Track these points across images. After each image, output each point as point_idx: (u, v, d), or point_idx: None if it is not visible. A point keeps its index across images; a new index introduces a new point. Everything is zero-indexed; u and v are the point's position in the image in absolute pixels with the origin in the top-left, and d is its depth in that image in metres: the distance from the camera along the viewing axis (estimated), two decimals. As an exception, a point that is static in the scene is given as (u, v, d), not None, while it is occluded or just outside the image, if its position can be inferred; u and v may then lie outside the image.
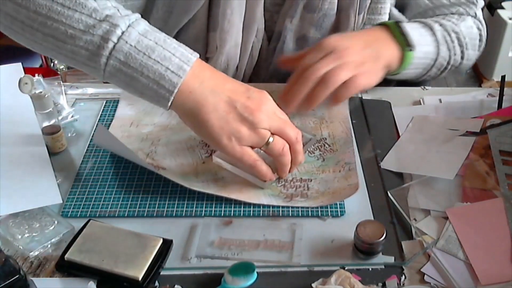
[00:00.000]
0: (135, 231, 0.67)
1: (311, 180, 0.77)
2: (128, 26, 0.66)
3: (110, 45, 0.65)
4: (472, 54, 0.98)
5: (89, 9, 0.66)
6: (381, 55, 0.83)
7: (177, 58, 0.66)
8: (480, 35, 0.98)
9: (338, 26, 0.93)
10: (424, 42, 0.89)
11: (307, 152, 0.81)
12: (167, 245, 0.66)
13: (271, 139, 0.70)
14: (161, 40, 0.67)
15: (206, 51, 0.95)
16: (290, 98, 0.79)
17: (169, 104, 0.67)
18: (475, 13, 0.97)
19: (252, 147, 0.70)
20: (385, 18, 0.94)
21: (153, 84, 0.66)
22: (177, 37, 0.92)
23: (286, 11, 0.92)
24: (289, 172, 0.75)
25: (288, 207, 0.73)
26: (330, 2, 0.90)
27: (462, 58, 0.95)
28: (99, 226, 0.68)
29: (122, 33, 0.65)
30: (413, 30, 0.88)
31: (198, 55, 0.69)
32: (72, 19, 0.65)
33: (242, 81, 0.96)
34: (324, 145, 0.83)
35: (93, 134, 0.86)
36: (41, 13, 0.66)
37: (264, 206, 0.73)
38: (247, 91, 0.70)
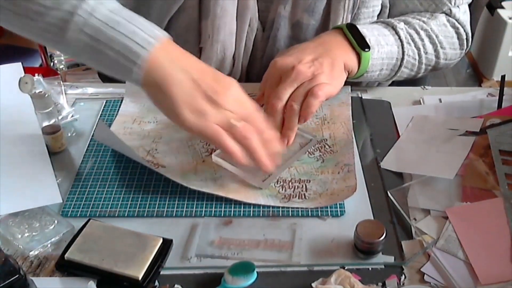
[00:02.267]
0: (135, 230, 0.67)
1: (309, 181, 0.77)
2: (98, 2, 0.66)
3: (79, 19, 0.65)
4: (452, 53, 0.96)
5: None
6: (336, 60, 0.81)
7: (145, 33, 0.66)
8: (458, 33, 0.96)
9: (330, 10, 0.92)
10: (385, 42, 0.87)
11: (306, 153, 0.81)
12: (167, 244, 0.66)
13: (234, 121, 0.67)
14: (130, 17, 0.67)
15: (199, 41, 0.95)
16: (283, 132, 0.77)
17: (134, 76, 0.66)
18: (450, 10, 0.95)
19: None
20: (374, 11, 0.93)
21: (119, 57, 0.66)
22: (168, 26, 0.92)
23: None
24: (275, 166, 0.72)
25: (288, 206, 0.73)
26: None
27: (437, 57, 0.94)
28: (99, 225, 0.68)
29: (92, 8, 0.65)
30: (373, 30, 0.87)
31: (169, 36, 0.69)
32: None
33: (239, 72, 0.97)
34: (325, 146, 0.82)
35: (93, 133, 0.86)
36: None
37: (264, 206, 0.73)
38: (215, 75, 0.69)
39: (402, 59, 0.89)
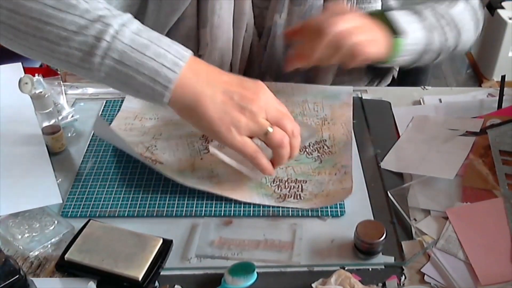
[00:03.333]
0: (135, 231, 0.67)
1: (305, 182, 0.77)
2: (121, 25, 0.66)
3: (104, 44, 0.64)
4: (467, 40, 0.97)
5: (81, 10, 0.65)
6: (378, 35, 0.83)
7: (171, 55, 0.66)
8: (474, 18, 0.97)
9: None
10: (413, 29, 0.88)
11: (305, 153, 0.81)
12: (167, 245, 0.66)
13: (270, 129, 0.69)
14: (155, 38, 0.67)
15: (198, 49, 0.95)
16: (307, 52, 0.79)
17: (165, 100, 0.67)
18: None
19: (251, 137, 0.69)
20: (377, 6, 0.93)
21: (149, 82, 0.66)
22: (168, 35, 0.92)
23: (274, 6, 0.92)
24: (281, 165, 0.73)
25: (283, 206, 0.73)
26: None
27: (456, 43, 0.95)
28: (99, 226, 0.68)
29: (116, 32, 0.65)
30: (402, 17, 0.87)
31: (191, 52, 0.69)
32: (64, 21, 0.65)
33: None
34: (323, 147, 0.82)
35: (93, 133, 0.86)
36: (33, 18, 0.65)
37: (264, 206, 0.73)
38: (243, 82, 0.70)
39: (428, 45, 0.90)
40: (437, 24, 0.91)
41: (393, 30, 0.84)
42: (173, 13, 0.90)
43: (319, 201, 0.73)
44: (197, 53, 0.95)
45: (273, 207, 0.73)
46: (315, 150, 0.82)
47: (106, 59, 0.65)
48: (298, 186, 0.76)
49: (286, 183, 0.76)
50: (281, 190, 0.75)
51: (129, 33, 0.66)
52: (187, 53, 0.68)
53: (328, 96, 0.92)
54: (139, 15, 0.91)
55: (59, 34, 0.65)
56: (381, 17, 0.85)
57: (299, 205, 0.73)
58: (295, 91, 0.93)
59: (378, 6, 0.94)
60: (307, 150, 0.81)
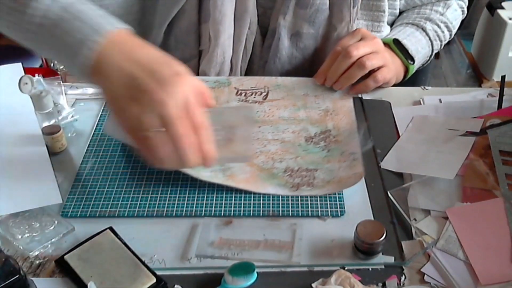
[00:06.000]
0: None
1: (316, 170, 0.78)
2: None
3: (43, 5, 0.65)
4: (457, 28, 1.09)
5: None
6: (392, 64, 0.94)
7: (89, 29, 0.64)
8: (463, 11, 1.09)
9: (331, 21, 0.94)
10: (421, 47, 1.00)
11: (312, 143, 0.82)
12: (159, 286, 0.63)
13: (149, 134, 0.61)
14: (79, 12, 0.65)
15: (199, 44, 0.95)
16: (329, 75, 0.91)
17: (86, 61, 0.63)
18: None
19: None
20: (384, 3, 0.98)
21: (77, 43, 0.64)
22: (169, 28, 0.93)
23: (279, 8, 0.93)
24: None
25: (288, 206, 0.73)
26: None
27: (450, 37, 1.08)
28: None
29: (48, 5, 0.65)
30: (409, 37, 0.98)
31: (121, 27, 0.66)
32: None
33: (238, 75, 0.97)
34: (329, 137, 0.84)
35: (93, 134, 0.86)
36: None
37: (264, 205, 0.73)
38: (157, 69, 0.61)
39: (431, 55, 1.04)
40: (437, 34, 1.03)
41: (406, 57, 0.96)
42: (173, 5, 0.90)
43: (332, 187, 0.75)
44: (198, 48, 0.95)
45: (273, 206, 0.73)
46: (322, 140, 0.83)
47: (43, 19, 0.65)
48: (310, 174, 0.77)
49: (298, 172, 0.78)
50: (293, 180, 0.76)
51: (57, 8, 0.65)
52: (112, 26, 0.65)
53: (328, 89, 0.93)
54: (141, 7, 0.91)
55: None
56: (393, 46, 0.96)
57: (314, 192, 0.74)
58: (295, 85, 0.95)
59: (385, 3, 0.98)
60: (313, 140, 0.83)
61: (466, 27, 1.15)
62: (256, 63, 0.98)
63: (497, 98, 0.90)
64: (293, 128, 0.85)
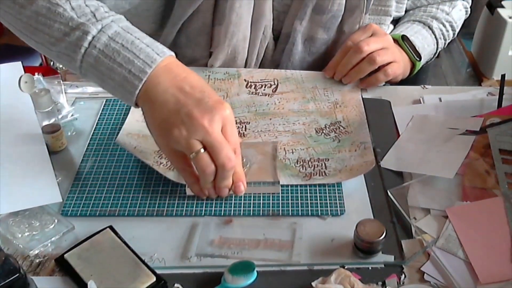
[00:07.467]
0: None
1: (328, 159, 0.79)
2: (99, 31, 0.70)
3: (82, 50, 0.70)
4: (458, 30, 1.11)
5: (66, 18, 0.71)
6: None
7: (140, 60, 0.69)
8: (467, 11, 1.11)
9: (342, 27, 0.95)
10: (427, 44, 1.01)
11: (322, 134, 0.84)
12: (158, 285, 0.63)
13: (193, 155, 0.67)
14: (128, 43, 0.70)
15: (211, 45, 0.95)
16: (339, 69, 0.93)
17: (132, 104, 0.71)
18: None
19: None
20: (391, 7, 0.99)
21: (119, 87, 0.70)
22: (181, 28, 0.93)
23: (295, 13, 0.93)
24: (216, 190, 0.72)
25: (288, 205, 0.73)
26: (339, 3, 0.92)
27: (453, 36, 1.10)
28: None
29: (93, 38, 0.70)
30: (417, 34, 1.00)
31: (168, 54, 0.71)
32: (52, 28, 0.72)
33: None
34: (339, 128, 0.85)
35: (93, 133, 0.86)
36: (28, 23, 0.73)
37: (264, 205, 0.73)
38: (201, 98, 0.68)
39: (435, 54, 1.06)
40: (442, 32, 1.05)
41: (413, 54, 0.97)
42: (189, 5, 0.90)
43: (344, 176, 0.76)
44: (209, 49, 0.95)
45: (273, 206, 0.73)
46: (332, 131, 0.85)
47: (84, 63, 0.71)
48: (322, 164, 0.78)
49: (310, 162, 0.79)
50: (305, 170, 0.78)
51: (105, 38, 0.70)
52: (160, 56, 0.70)
53: (337, 82, 0.95)
54: (161, 5, 0.92)
55: (49, 40, 0.73)
56: (401, 43, 0.97)
57: (326, 181, 0.75)
58: (304, 78, 0.96)
59: (392, 8, 0.99)
60: (324, 131, 0.85)
61: (466, 26, 1.15)
62: (267, 67, 0.99)
63: (497, 97, 0.90)
64: (303, 120, 0.87)
